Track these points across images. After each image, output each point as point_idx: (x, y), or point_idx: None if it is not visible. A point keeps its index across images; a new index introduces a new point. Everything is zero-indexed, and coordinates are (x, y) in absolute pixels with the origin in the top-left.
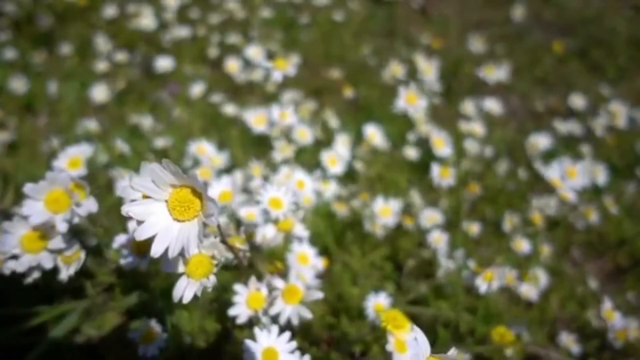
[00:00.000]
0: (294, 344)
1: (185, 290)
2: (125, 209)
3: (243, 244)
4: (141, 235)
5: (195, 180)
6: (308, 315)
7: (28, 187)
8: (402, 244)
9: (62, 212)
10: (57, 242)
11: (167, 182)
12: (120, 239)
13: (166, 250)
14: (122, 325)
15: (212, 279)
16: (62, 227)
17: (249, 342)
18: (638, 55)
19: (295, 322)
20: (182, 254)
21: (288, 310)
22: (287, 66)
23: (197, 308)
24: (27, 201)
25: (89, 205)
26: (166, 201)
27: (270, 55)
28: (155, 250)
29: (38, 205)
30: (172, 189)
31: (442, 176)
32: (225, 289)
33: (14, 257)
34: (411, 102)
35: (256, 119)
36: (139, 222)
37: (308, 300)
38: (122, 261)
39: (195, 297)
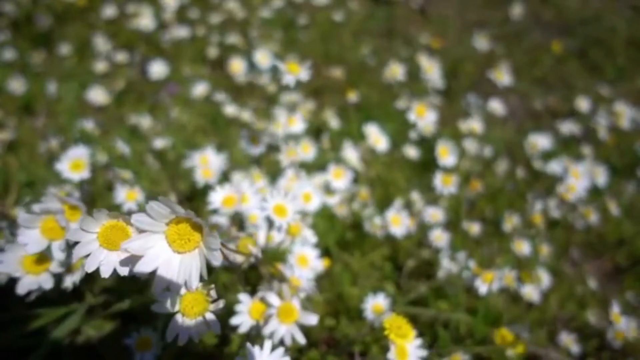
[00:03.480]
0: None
1: (180, 330)
2: (124, 246)
3: (253, 246)
4: (142, 269)
5: (193, 217)
6: (302, 340)
7: (22, 218)
8: (402, 244)
9: (58, 240)
10: (57, 267)
11: (164, 215)
12: None
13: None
14: (122, 326)
15: (210, 317)
16: (59, 255)
17: None
18: (637, 55)
19: (288, 342)
20: (184, 286)
21: (282, 330)
22: (300, 71)
23: None
24: (22, 230)
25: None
26: (164, 232)
27: (277, 58)
28: (158, 285)
29: (34, 233)
30: (170, 221)
31: (444, 184)
32: (225, 288)
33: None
34: (421, 115)
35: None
36: (138, 257)
37: (303, 322)
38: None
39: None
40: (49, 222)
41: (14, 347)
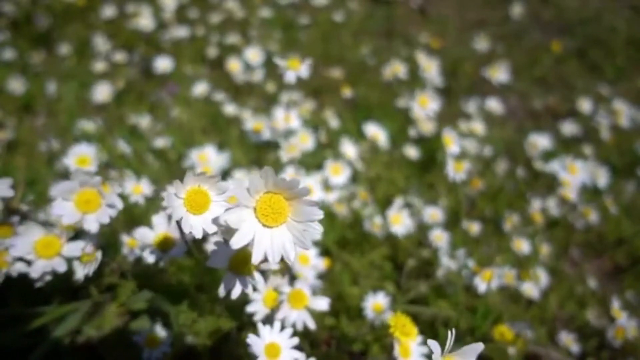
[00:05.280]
0: (296, 339)
1: (232, 286)
2: (223, 218)
3: None
4: (238, 243)
5: (296, 186)
6: (312, 325)
7: (60, 189)
8: (402, 243)
9: (93, 212)
10: (72, 249)
11: (260, 190)
12: (143, 235)
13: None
14: (123, 325)
15: (257, 275)
16: (94, 227)
17: (252, 337)
18: (636, 55)
19: (299, 327)
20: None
21: (293, 315)
22: (300, 67)
23: (205, 308)
24: (57, 201)
25: (118, 203)
26: (255, 207)
27: (271, 56)
28: (256, 258)
29: (69, 205)
30: (262, 195)
31: (456, 170)
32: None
33: (22, 259)
34: (423, 105)
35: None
36: (232, 231)
37: (313, 307)
38: (146, 256)
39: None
40: (83, 195)
41: (14, 347)
